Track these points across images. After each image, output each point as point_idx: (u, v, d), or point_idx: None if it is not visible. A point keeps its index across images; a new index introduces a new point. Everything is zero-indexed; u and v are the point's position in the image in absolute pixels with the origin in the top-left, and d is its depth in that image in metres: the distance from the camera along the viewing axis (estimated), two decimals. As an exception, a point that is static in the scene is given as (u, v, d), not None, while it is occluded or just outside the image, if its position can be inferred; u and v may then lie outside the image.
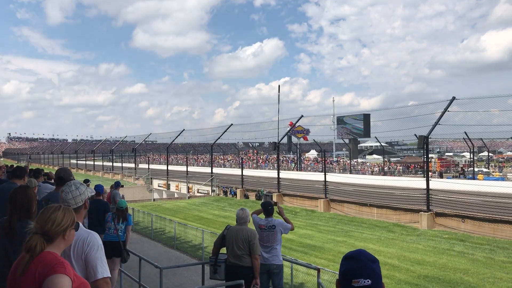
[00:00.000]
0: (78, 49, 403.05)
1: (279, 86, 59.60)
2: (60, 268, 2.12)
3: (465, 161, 58.94)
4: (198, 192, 34.54)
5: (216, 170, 38.54)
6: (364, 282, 1.72)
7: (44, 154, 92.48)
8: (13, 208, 3.26)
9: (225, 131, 35.68)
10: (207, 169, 39.97)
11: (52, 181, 8.00)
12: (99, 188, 8.76)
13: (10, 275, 2.27)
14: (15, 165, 9.34)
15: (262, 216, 7.06)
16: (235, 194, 30.67)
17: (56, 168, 59.47)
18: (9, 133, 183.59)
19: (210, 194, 33.06)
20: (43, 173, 8.70)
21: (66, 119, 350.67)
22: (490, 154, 55.88)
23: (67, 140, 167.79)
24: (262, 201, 27.13)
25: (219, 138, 36.35)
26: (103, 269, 2.73)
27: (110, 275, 2.80)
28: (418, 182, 22.51)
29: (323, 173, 25.28)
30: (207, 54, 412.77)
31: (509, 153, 78.66)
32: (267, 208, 7.00)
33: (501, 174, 44.62)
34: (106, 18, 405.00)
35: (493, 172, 46.32)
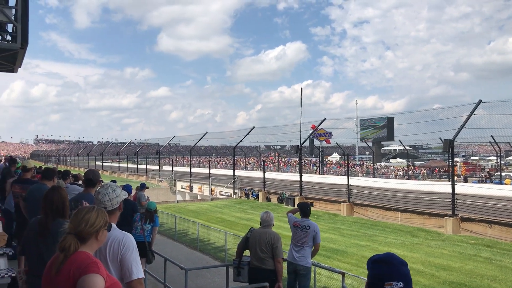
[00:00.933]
0: (104, 53, 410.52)
1: (301, 89, 59.33)
2: (93, 267, 2.19)
3: (491, 165, 57.59)
4: (220, 194, 34.71)
5: (238, 172, 38.62)
6: (397, 285, 1.73)
7: (70, 156, 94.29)
8: (48, 209, 3.37)
9: (247, 134, 35.79)
10: (229, 172, 40.09)
11: (80, 182, 8.19)
12: (127, 188, 8.93)
13: (45, 274, 2.36)
14: (43, 167, 9.58)
15: (298, 216, 7.14)
16: (257, 196, 30.70)
17: (82, 169, 60.61)
18: (37, 135, 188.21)
19: (232, 196, 33.17)
20: (71, 175, 8.91)
21: (91, 121, 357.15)
22: (518, 158, 54.44)
23: (92, 142, 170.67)
24: (284, 204, 27.21)
25: (241, 141, 36.47)
26: (138, 270, 2.80)
27: (143, 276, 2.86)
28: (443, 187, 22.12)
29: (346, 176, 25.09)
30: (230, 57, 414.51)
31: (538, 157, 76.52)
32: (305, 209, 7.07)
33: (529, 179, 43.45)
34: (132, 23, 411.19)
35: (521, 176, 45.14)
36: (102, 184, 3.26)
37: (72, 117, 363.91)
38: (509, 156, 62.56)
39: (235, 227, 19.36)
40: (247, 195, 32.06)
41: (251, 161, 77.11)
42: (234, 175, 34.82)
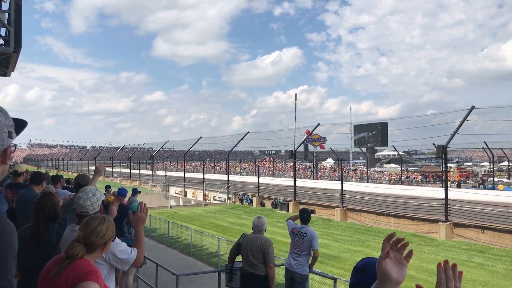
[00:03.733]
0: (100, 58, 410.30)
1: (295, 94, 59.21)
2: (92, 276, 2.21)
3: (484, 171, 57.91)
4: (214, 199, 34.62)
5: (232, 177, 38.57)
6: None
7: (63, 160, 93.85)
8: (40, 216, 3.33)
9: (242, 138, 35.78)
10: (224, 177, 40.05)
11: (72, 186, 8.13)
12: (122, 192, 8.87)
13: (43, 276, 2.36)
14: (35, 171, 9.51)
15: (298, 222, 7.13)
16: (251, 202, 30.66)
17: (75, 174, 60.26)
18: (30, 140, 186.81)
19: (226, 201, 33.10)
20: (63, 179, 8.85)
21: (86, 126, 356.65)
22: (510, 164, 54.80)
23: (86, 147, 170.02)
24: (278, 209, 27.19)
25: (235, 145, 36.46)
26: (129, 257, 3.01)
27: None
28: (436, 192, 22.20)
29: (340, 181, 25.13)
30: (226, 62, 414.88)
31: (530, 163, 77.02)
32: (303, 215, 7.07)
33: (522, 184, 43.71)
34: (128, 28, 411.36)
35: (514, 182, 45.40)
36: (82, 188, 3.24)
37: (66, 121, 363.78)
38: (502, 162, 62.86)
39: (228, 233, 19.30)
40: (241, 200, 31.99)
41: (245, 166, 77.06)
42: (228, 180, 34.77)
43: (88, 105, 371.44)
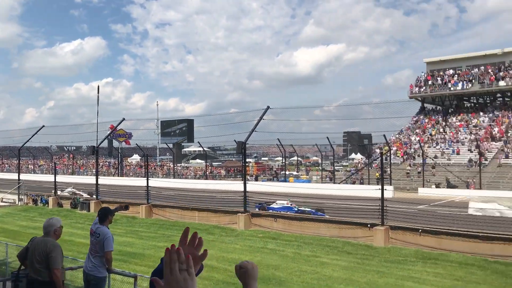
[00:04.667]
0: None
1: (98, 86, 55.68)
2: None
3: (278, 165, 64.42)
4: (2, 201, 30.68)
5: (24, 176, 34.75)
6: None
7: None
8: None
9: (36, 133, 32.45)
10: (14, 176, 35.76)
11: None
12: None
13: None
14: None
15: None
16: (47, 202, 28.05)
17: None
18: None
19: (17, 203, 29.63)
20: None
21: None
22: (299, 159, 62.04)
23: None
24: (78, 209, 25.49)
25: (28, 141, 32.86)
26: None
27: None
28: (237, 185, 23.70)
29: (146, 178, 24.85)
30: (17, 47, 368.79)
31: (314, 158, 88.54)
32: (99, 213, 6.68)
33: (307, 176, 49.98)
34: None
35: (301, 175, 51.57)
36: None
37: None
38: (292, 157, 70.79)
39: (19, 237, 17.25)
40: (35, 201, 29.07)
41: (40, 164, 70.35)
42: (19, 179, 31.16)
43: None
